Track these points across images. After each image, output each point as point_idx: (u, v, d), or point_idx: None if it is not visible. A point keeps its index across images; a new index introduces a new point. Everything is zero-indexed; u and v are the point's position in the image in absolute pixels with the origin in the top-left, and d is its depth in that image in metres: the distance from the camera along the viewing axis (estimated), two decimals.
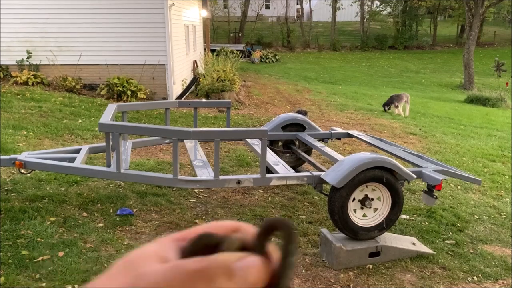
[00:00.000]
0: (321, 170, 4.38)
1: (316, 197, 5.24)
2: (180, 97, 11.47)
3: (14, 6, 10.54)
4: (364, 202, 3.86)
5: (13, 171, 5.27)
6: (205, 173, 4.06)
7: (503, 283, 3.72)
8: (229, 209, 4.82)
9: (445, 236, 4.51)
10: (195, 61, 14.99)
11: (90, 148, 4.84)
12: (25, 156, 4.28)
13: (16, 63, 10.82)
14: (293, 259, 0.28)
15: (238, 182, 3.90)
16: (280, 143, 5.85)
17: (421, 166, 4.41)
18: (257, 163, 5.97)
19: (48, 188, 4.98)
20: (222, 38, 33.84)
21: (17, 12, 10.60)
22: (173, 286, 0.26)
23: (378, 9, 40.08)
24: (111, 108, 4.54)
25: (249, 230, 0.30)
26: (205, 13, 17.28)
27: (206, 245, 0.29)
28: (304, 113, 8.03)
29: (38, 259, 3.53)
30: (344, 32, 41.23)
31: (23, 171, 4.40)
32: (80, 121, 8.21)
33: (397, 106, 11.36)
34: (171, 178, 3.84)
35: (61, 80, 10.60)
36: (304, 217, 4.73)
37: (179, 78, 12.04)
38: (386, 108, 11.48)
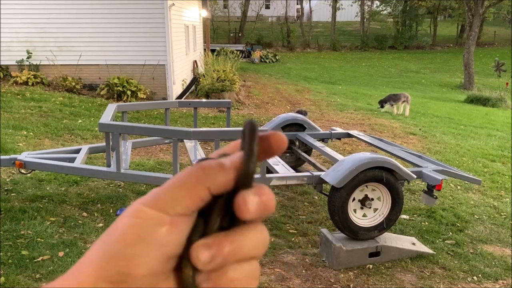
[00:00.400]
0: (321, 170, 4.38)
1: (316, 197, 5.24)
2: (180, 97, 11.47)
3: (14, 6, 10.54)
4: (364, 202, 3.86)
5: (13, 171, 5.27)
6: None
7: (503, 283, 3.72)
8: None
9: (445, 236, 4.51)
10: (195, 61, 15.00)
11: (90, 148, 4.84)
12: (25, 156, 4.28)
13: (16, 63, 10.83)
14: (254, 148, 0.34)
15: None
16: None
17: (421, 166, 4.41)
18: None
19: (48, 188, 4.98)
20: (222, 38, 33.85)
21: (17, 12, 10.60)
22: (182, 182, 0.34)
23: (378, 9, 40.10)
24: (111, 108, 4.54)
25: (232, 147, 0.38)
26: (205, 13, 17.29)
27: None
28: (304, 113, 8.03)
29: (38, 259, 3.53)
30: (344, 32, 41.24)
31: (23, 171, 4.40)
32: (80, 121, 8.22)
33: (392, 105, 11.37)
34: None
35: (61, 80, 10.60)
36: (304, 217, 4.73)
37: (179, 78, 12.04)
38: (384, 104, 11.46)
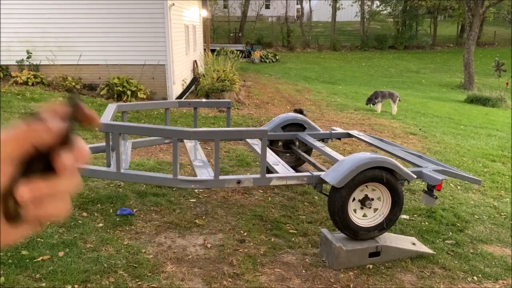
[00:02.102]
0: (321, 170, 4.38)
1: (316, 197, 5.24)
2: (180, 97, 11.47)
3: (14, 6, 10.54)
4: (364, 202, 3.86)
5: None
6: (205, 173, 4.05)
7: (503, 283, 3.72)
8: (229, 209, 4.82)
9: (445, 236, 4.51)
10: (195, 61, 14.99)
11: (90, 148, 4.84)
12: None
13: (16, 63, 10.83)
14: (71, 120, 0.46)
15: (238, 182, 3.90)
16: (280, 143, 5.84)
17: (421, 166, 4.41)
18: (257, 163, 5.97)
19: None
20: (222, 38, 33.85)
21: (17, 12, 10.60)
22: (12, 137, 0.44)
23: (378, 9, 40.10)
24: (111, 108, 4.54)
25: (63, 109, 0.47)
26: (205, 13, 17.29)
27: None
28: (301, 112, 8.00)
29: (38, 259, 3.53)
30: (344, 32, 41.24)
31: None
32: None
33: (380, 101, 11.39)
34: (171, 178, 3.83)
35: (61, 80, 10.60)
36: (304, 217, 4.73)
37: (179, 78, 12.04)
38: (375, 101, 11.45)
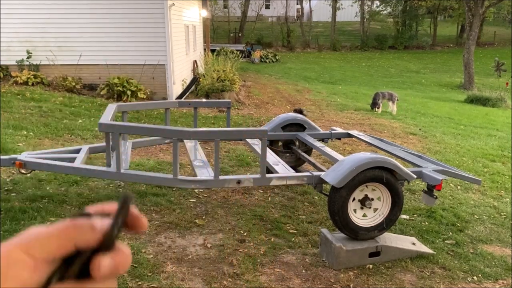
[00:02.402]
0: (321, 170, 4.38)
1: (316, 197, 5.24)
2: (180, 97, 11.47)
3: (14, 6, 10.54)
4: (364, 202, 3.86)
5: (13, 171, 5.27)
6: (205, 173, 4.05)
7: (503, 283, 3.72)
8: (229, 209, 4.82)
9: (445, 236, 4.51)
10: (195, 61, 14.99)
11: (90, 148, 4.84)
12: (25, 156, 4.28)
13: (16, 63, 10.83)
14: (119, 222, 0.42)
15: (238, 182, 3.90)
16: (280, 143, 5.84)
17: (421, 166, 4.41)
18: (257, 163, 5.97)
19: (48, 188, 4.97)
20: (222, 38, 33.85)
21: (17, 12, 10.61)
22: (55, 234, 0.41)
23: (378, 9, 40.11)
24: (111, 108, 4.54)
25: (112, 207, 0.45)
26: (205, 13, 17.29)
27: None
28: (301, 112, 8.00)
29: None
30: (344, 32, 41.25)
31: (23, 171, 4.40)
32: (80, 121, 8.21)
33: (381, 102, 11.42)
34: (171, 178, 3.83)
35: (61, 80, 10.60)
36: (304, 217, 4.73)
37: (179, 78, 12.04)
38: (379, 104, 11.47)
